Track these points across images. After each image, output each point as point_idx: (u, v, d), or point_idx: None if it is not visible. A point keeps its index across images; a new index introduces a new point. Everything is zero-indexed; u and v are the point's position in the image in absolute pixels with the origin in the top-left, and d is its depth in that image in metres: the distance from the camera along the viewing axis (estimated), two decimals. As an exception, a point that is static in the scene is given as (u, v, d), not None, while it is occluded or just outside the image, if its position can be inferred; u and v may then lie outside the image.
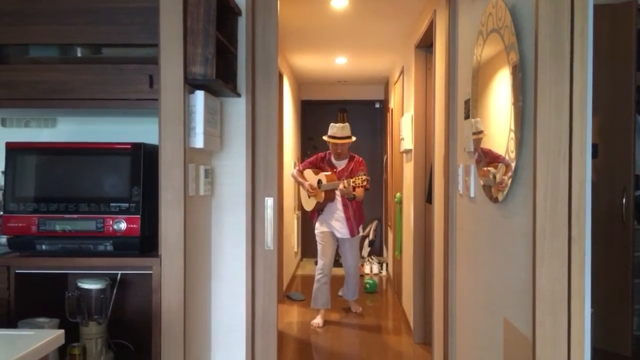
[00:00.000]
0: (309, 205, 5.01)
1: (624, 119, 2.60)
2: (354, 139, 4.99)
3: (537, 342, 1.49)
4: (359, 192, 4.71)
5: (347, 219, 4.89)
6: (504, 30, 1.79)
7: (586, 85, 1.49)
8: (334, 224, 4.92)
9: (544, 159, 1.49)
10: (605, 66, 2.61)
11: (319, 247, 5.00)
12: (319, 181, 4.85)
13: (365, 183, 4.58)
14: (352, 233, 4.94)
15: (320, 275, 4.93)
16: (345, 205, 4.86)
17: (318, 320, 4.93)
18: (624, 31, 2.60)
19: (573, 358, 1.49)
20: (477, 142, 2.17)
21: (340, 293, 5.95)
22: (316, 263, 5.13)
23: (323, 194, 4.84)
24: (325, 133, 5.02)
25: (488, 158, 2.02)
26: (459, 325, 2.65)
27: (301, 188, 5.06)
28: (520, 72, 1.66)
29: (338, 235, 4.94)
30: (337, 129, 4.91)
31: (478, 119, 2.17)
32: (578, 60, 1.48)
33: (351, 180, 4.62)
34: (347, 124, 5.01)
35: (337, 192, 4.81)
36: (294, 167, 5.28)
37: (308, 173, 4.96)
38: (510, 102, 1.74)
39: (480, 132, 2.13)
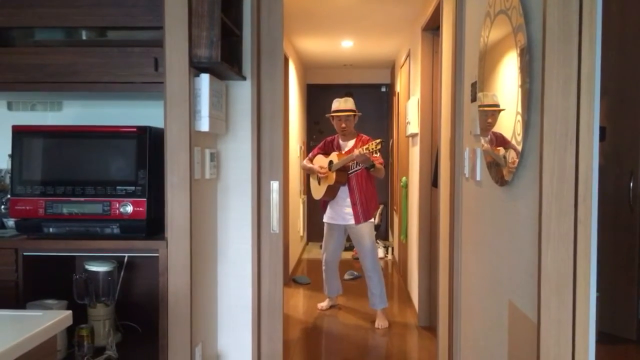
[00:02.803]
0: (319, 192, 4.59)
1: (632, 102, 2.57)
2: (359, 113, 4.62)
3: (541, 324, 1.50)
4: (377, 164, 4.28)
5: (353, 203, 4.45)
6: (512, 12, 1.77)
7: (594, 67, 1.47)
8: (345, 210, 4.49)
9: (550, 141, 1.48)
10: (614, 49, 2.58)
11: (324, 238, 4.74)
12: (330, 162, 4.49)
13: (379, 146, 4.11)
14: (357, 219, 4.44)
15: (324, 268, 4.79)
16: (351, 189, 4.44)
17: (325, 303, 4.93)
18: (634, 13, 2.57)
19: (578, 341, 1.49)
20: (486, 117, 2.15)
21: (346, 276, 5.97)
22: (321, 247, 5.02)
23: (334, 175, 4.43)
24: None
25: (498, 140, 2.01)
26: (464, 309, 2.65)
27: (311, 178, 4.73)
28: (527, 54, 1.65)
29: (344, 222, 4.52)
30: (339, 102, 4.54)
31: (487, 93, 2.16)
32: (586, 42, 1.47)
33: (364, 148, 4.18)
34: (350, 98, 4.62)
35: (351, 176, 4.41)
36: (305, 159, 4.90)
37: (318, 159, 4.64)
38: (518, 85, 1.72)
39: (493, 105, 2.10)
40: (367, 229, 4.50)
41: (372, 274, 4.49)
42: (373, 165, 4.28)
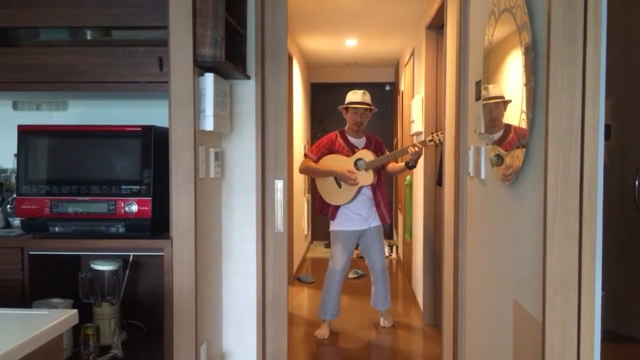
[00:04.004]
0: (345, 196, 3.98)
1: (637, 100, 2.56)
2: (376, 110, 4.20)
3: (546, 324, 1.49)
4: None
5: (377, 204, 4.05)
6: (516, 10, 1.77)
7: (599, 65, 1.47)
8: (364, 212, 4.06)
9: (555, 140, 1.48)
10: (619, 47, 2.57)
11: (334, 247, 4.11)
12: (358, 160, 3.98)
13: (440, 137, 3.66)
14: (384, 219, 4.10)
15: (330, 284, 4.13)
16: (373, 188, 4.04)
17: (324, 331, 4.20)
18: (639, 12, 2.56)
19: (583, 340, 1.49)
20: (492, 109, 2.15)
21: (351, 275, 5.97)
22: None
23: (372, 175, 3.95)
24: (336, 115, 4.56)
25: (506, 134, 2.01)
26: (468, 308, 2.65)
27: (322, 181, 4.09)
28: (532, 52, 1.64)
29: (363, 227, 4.09)
30: (357, 94, 4.08)
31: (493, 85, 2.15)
32: (591, 40, 1.46)
33: (427, 140, 3.71)
34: (368, 92, 4.17)
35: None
36: (304, 156, 4.29)
37: (330, 160, 4.04)
38: (522, 83, 1.72)
39: (498, 97, 2.09)
40: (381, 232, 4.22)
41: (382, 278, 4.25)
42: (415, 166, 4.06)
